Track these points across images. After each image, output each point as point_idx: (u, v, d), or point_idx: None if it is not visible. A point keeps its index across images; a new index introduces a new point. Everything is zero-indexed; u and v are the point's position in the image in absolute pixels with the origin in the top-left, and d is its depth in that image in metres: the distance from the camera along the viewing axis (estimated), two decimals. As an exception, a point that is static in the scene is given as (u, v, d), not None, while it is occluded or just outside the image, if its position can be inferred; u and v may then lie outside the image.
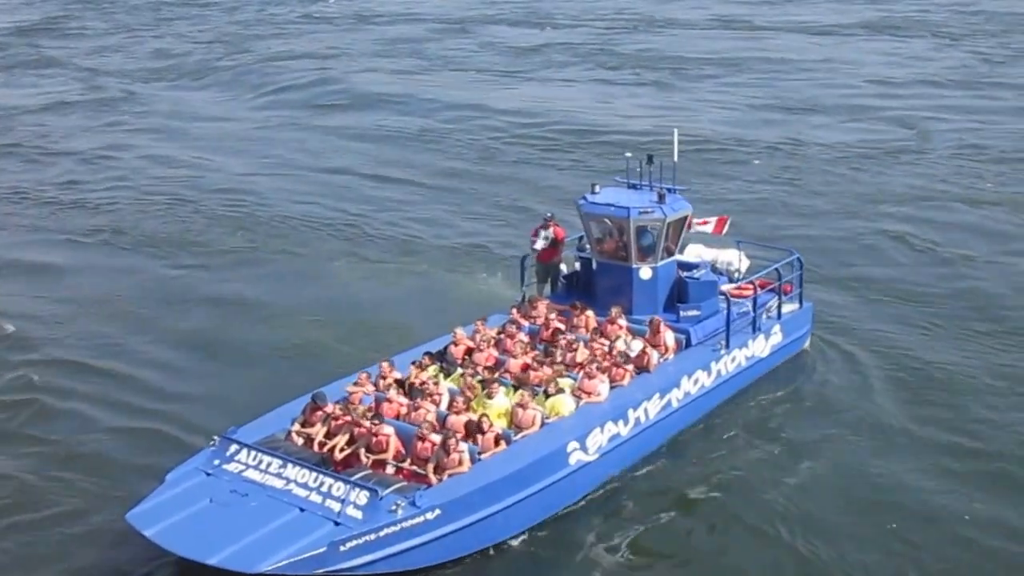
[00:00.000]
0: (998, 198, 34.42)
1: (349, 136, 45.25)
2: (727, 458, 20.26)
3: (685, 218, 22.52)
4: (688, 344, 21.78)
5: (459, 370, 20.62)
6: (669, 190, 22.43)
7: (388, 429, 18.28)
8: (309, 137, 45.25)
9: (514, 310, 22.70)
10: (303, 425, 18.99)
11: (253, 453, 17.83)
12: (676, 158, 22.87)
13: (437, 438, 17.93)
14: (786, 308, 23.36)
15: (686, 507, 18.95)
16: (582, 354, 20.78)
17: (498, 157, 41.20)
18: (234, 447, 18.01)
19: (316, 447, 18.44)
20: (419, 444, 17.97)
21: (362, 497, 16.56)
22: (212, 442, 18.31)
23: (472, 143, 43.22)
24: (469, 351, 21.19)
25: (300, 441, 18.70)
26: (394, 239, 32.56)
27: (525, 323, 22.27)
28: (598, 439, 19.03)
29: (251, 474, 17.50)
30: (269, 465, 17.58)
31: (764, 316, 22.73)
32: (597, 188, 22.90)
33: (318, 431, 18.75)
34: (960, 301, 26.67)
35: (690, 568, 17.44)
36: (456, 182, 38.18)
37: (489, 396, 19.21)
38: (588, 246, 23.63)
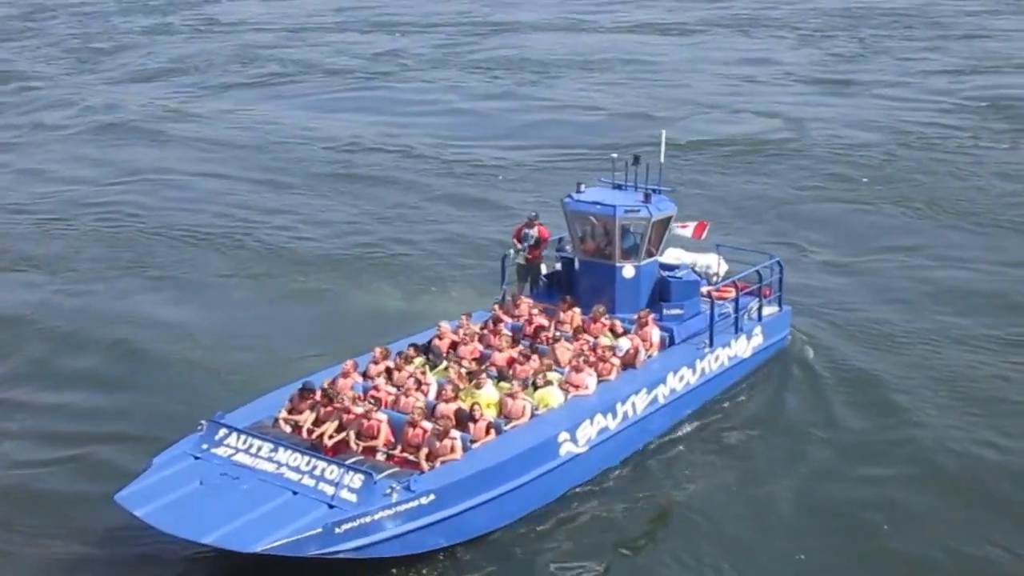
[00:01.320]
0: (869, 195, 35.26)
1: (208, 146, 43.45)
2: (709, 460, 20.33)
3: (669, 218, 22.66)
4: (672, 342, 21.86)
5: (444, 362, 20.54)
6: (654, 190, 22.57)
7: (381, 415, 18.16)
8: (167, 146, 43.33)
9: (496, 307, 22.66)
10: (290, 412, 18.80)
11: (243, 437, 17.61)
12: (663, 159, 23.03)
13: (429, 425, 17.83)
14: (767, 311, 23.54)
15: (669, 507, 18.96)
16: (563, 349, 20.79)
17: (357, 170, 39.60)
18: (223, 431, 17.77)
19: (305, 434, 18.24)
20: (410, 431, 17.86)
21: (356, 481, 16.40)
22: (199, 427, 18.04)
23: (317, 158, 41.24)
24: (454, 344, 21.14)
25: (287, 428, 18.50)
26: (277, 249, 31.57)
27: (508, 320, 22.24)
28: (587, 431, 19.03)
29: (241, 458, 17.28)
30: (260, 449, 17.37)
31: (746, 318, 22.88)
32: (583, 187, 22.99)
33: (306, 418, 18.56)
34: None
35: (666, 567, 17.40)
36: (324, 191, 37.17)
37: (477, 386, 19.14)
38: (569, 246, 23.72)
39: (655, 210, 22.16)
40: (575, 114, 46.85)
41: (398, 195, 36.38)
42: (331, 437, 18.11)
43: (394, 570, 16.75)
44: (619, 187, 23.22)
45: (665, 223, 22.56)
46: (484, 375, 19.30)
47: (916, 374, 23.20)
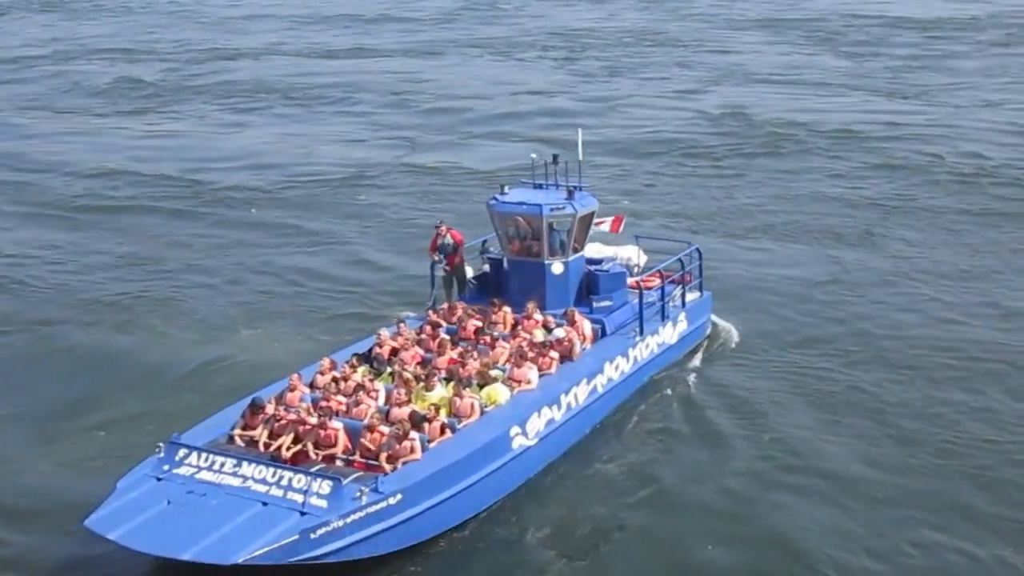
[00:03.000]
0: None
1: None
2: (646, 443, 21.06)
3: (592, 213, 23.43)
4: (604, 333, 22.61)
5: (388, 368, 20.95)
6: (576, 187, 23.30)
7: (336, 424, 18.49)
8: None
9: (431, 312, 23.14)
10: (244, 429, 19.01)
11: (203, 455, 17.76)
12: (581, 157, 23.78)
13: (386, 429, 18.25)
14: (688, 297, 24.46)
15: (616, 489, 19.57)
16: (501, 348, 21.37)
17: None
18: (183, 451, 17.88)
19: (261, 448, 18.47)
20: (368, 435, 18.24)
21: (325, 487, 16.72)
22: (157, 449, 18.13)
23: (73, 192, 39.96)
24: (394, 351, 21.55)
25: (242, 444, 18.69)
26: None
27: (443, 323, 22.72)
28: (536, 424, 19.64)
29: (205, 475, 17.43)
30: (223, 465, 17.54)
31: (671, 305, 23.74)
32: (506, 189, 23.62)
33: (261, 433, 18.78)
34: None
35: (622, 545, 18.04)
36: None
37: (428, 388, 19.62)
38: (494, 247, 24.35)
39: (579, 206, 22.90)
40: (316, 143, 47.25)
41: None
42: (288, 449, 18.39)
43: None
44: (540, 186, 23.91)
45: (588, 218, 23.32)
46: (435, 378, 19.77)
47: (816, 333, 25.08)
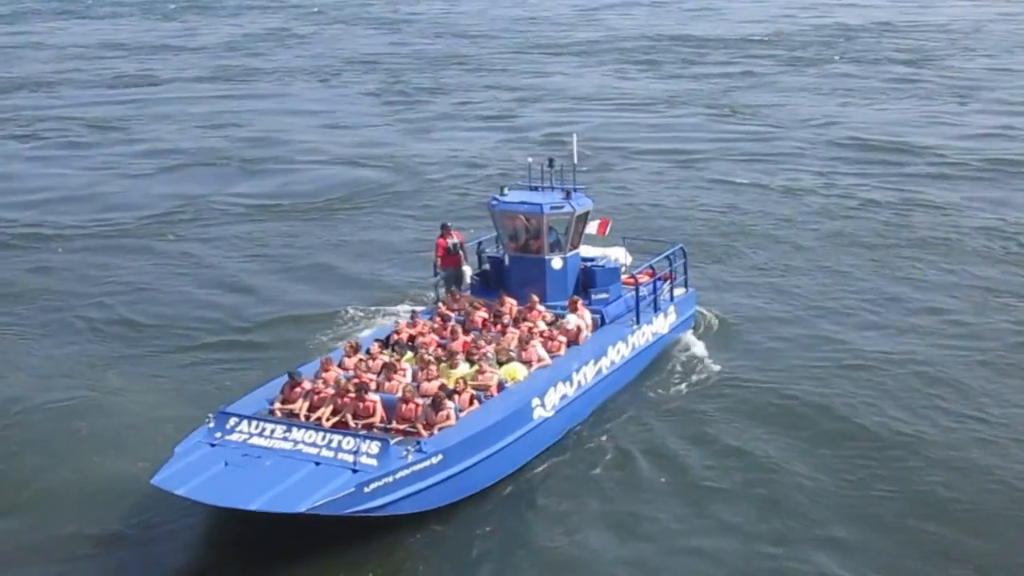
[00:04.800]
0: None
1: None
2: (646, 423, 22.65)
3: (587, 213, 25.17)
4: (603, 322, 24.28)
5: (409, 352, 22.40)
6: (573, 189, 25.03)
7: (374, 396, 19.92)
8: None
9: (440, 304, 24.65)
10: (283, 403, 20.31)
11: (253, 422, 19.03)
12: (576, 160, 25.52)
13: (420, 400, 19.73)
14: (676, 292, 26.24)
15: (621, 462, 21.14)
16: (511, 334, 22.94)
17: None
18: (233, 420, 19.14)
19: (302, 419, 19.75)
20: (403, 406, 19.70)
21: (373, 447, 18.10)
22: (207, 419, 19.36)
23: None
24: (411, 338, 23.02)
25: (283, 417, 19.98)
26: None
27: (452, 314, 24.23)
28: (553, 398, 21.23)
29: (256, 440, 18.68)
30: (273, 431, 18.83)
31: (661, 298, 25.50)
32: (505, 190, 25.30)
33: (300, 406, 20.11)
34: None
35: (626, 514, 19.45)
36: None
37: (452, 366, 21.15)
38: (490, 247, 26.03)
39: (576, 205, 24.64)
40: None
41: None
42: (328, 420, 19.74)
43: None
44: (535, 188, 25.61)
45: (584, 217, 25.06)
46: (457, 356, 21.30)
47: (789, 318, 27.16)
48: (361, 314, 27.99)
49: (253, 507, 16.87)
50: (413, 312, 24.15)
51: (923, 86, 59.98)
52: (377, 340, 22.75)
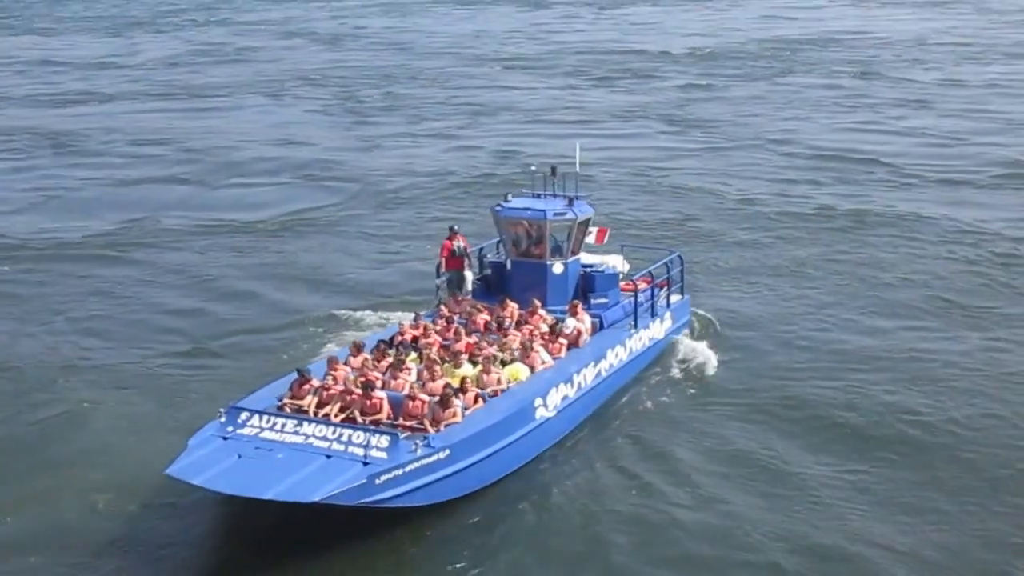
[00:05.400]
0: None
1: None
2: (643, 423, 23.32)
3: (588, 220, 25.79)
4: (602, 326, 24.88)
5: (413, 353, 22.95)
6: (574, 197, 25.65)
7: (380, 393, 20.46)
8: None
9: (443, 307, 25.21)
10: (292, 399, 20.82)
11: (265, 417, 19.53)
12: (578, 168, 26.14)
13: (426, 397, 20.29)
14: (672, 298, 26.87)
15: (619, 461, 21.77)
16: (512, 336, 23.50)
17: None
18: (244, 414, 19.63)
19: (311, 415, 20.29)
20: (410, 404, 20.26)
21: (383, 441, 18.63)
22: (218, 414, 19.86)
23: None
24: (415, 339, 23.57)
25: (292, 412, 20.50)
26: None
27: (454, 317, 24.79)
28: (555, 398, 21.80)
29: (268, 434, 19.18)
30: (284, 425, 19.34)
31: (658, 304, 26.12)
32: (510, 197, 25.91)
33: (310, 402, 20.63)
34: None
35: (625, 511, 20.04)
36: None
37: (456, 366, 21.71)
38: (491, 253, 26.61)
39: (578, 212, 25.26)
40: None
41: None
42: (336, 416, 20.27)
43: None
44: (538, 196, 26.23)
45: (586, 224, 25.68)
46: (462, 356, 21.86)
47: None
48: (318, 331, 28.04)
49: (268, 496, 17.34)
50: (416, 314, 24.68)
51: (877, 97, 61.19)
52: (381, 341, 23.28)
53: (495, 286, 26.30)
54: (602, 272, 25.79)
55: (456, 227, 27.15)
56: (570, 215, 25.14)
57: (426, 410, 20.10)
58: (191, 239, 37.51)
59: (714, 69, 70.49)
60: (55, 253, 36.15)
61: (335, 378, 21.13)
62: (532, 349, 22.69)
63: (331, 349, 25.16)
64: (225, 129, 57.02)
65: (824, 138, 51.30)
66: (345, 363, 22.16)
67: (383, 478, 18.09)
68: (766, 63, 71.61)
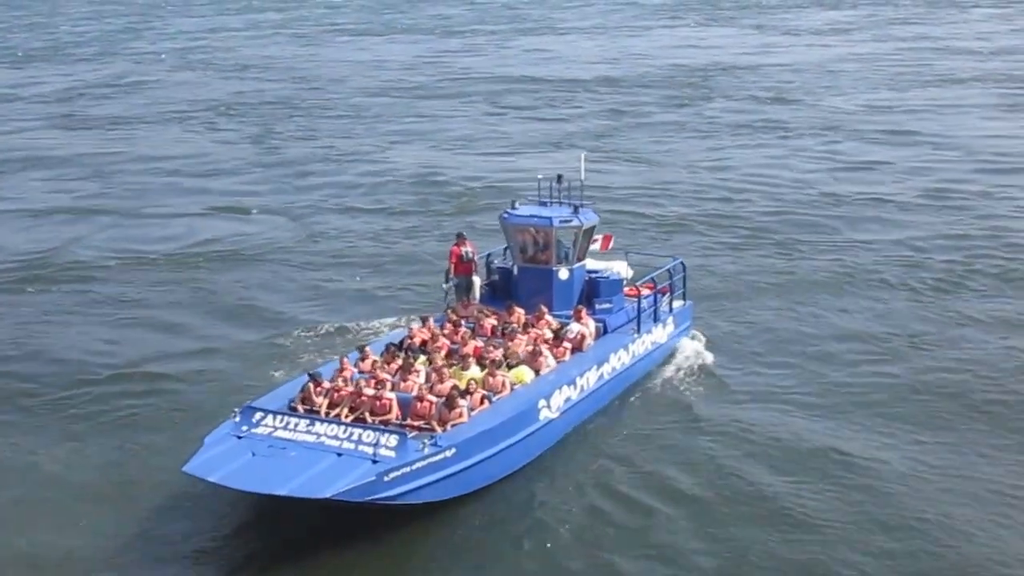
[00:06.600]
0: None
1: None
2: (644, 425, 23.93)
3: (594, 227, 26.46)
4: (605, 331, 25.55)
5: (422, 356, 23.64)
6: (580, 204, 26.33)
7: (390, 394, 21.17)
8: None
9: (450, 311, 25.90)
10: (303, 401, 21.54)
11: (278, 417, 20.25)
12: (583, 177, 26.80)
13: (434, 398, 21.00)
14: (675, 304, 27.51)
15: (620, 462, 22.34)
16: (519, 340, 24.18)
17: None
18: (258, 414, 20.35)
19: (322, 416, 20.98)
20: (418, 404, 20.98)
21: (392, 440, 19.33)
22: (232, 414, 20.57)
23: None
24: (423, 342, 24.28)
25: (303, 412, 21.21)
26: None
27: (462, 321, 25.47)
28: (558, 400, 22.47)
29: (281, 433, 19.89)
30: (296, 425, 20.05)
31: (661, 309, 26.77)
32: (517, 204, 26.61)
33: (321, 403, 21.34)
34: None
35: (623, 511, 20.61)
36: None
37: (464, 368, 22.41)
38: (498, 259, 27.33)
39: (584, 219, 25.94)
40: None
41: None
42: (347, 416, 20.97)
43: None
44: (544, 203, 26.90)
45: (591, 231, 26.36)
46: (469, 359, 22.56)
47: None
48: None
49: (282, 492, 18.06)
50: (424, 318, 25.35)
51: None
52: (391, 344, 23.96)
53: (502, 291, 26.97)
54: (607, 278, 26.44)
55: (464, 232, 27.83)
56: (575, 222, 25.81)
57: (434, 411, 20.81)
58: (109, 271, 35.72)
59: (629, 96, 67.89)
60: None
61: (345, 379, 21.84)
62: (540, 353, 23.35)
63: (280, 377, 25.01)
64: (134, 160, 53.39)
65: (748, 162, 49.62)
66: (355, 366, 22.88)
67: (392, 475, 18.77)
68: (678, 90, 70.18)
